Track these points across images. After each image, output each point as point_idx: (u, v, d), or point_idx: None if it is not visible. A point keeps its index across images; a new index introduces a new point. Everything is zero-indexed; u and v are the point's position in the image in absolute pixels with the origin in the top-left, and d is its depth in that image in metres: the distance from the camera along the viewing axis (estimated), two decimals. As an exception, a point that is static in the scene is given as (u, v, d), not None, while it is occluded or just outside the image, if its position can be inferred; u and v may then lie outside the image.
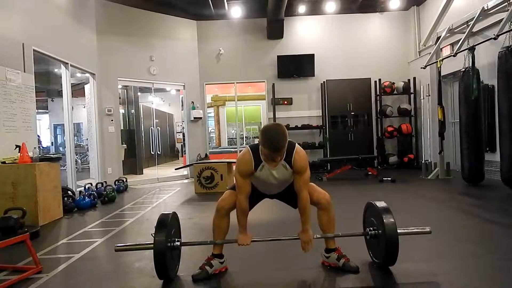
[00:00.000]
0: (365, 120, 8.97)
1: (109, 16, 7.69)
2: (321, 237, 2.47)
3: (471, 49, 5.53)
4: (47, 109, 14.83)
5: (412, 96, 8.74)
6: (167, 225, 2.33)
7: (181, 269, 2.66)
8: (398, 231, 2.29)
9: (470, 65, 5.52)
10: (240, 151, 2.55)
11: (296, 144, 2.36)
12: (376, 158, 8.65)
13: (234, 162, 2.44)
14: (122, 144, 8.53)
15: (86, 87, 7.68)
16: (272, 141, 2.14)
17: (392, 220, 2.30)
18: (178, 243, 2.42)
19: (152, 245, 2.26)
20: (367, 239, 2.54)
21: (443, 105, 6.57)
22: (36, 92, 5.35)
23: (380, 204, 2.44)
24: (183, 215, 4.56)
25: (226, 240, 2.49)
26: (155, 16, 8.40)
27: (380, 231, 2.36)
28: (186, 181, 8.39)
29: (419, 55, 8.70)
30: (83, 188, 5.85)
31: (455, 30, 6.45)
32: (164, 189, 7.12)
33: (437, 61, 6.55)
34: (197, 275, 2.41)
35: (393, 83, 8.71)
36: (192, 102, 8.91)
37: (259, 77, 9.27)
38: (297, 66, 8.95)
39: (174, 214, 2.49)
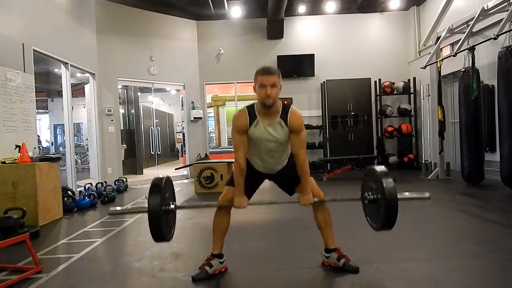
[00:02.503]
0: (365, 120, 8.97)
1: (109, 16, 7.69)
2: (319, 200, 2.42)
3: (471, 49, 5.53)
4: (47, 109, 14.83)
5: (412, 96, 8.74)
6: (161, 188, 2.24)
7: (181, 269, 2.66)
8: (398, 196, 2.20)
9: (470, 65, 5.52)
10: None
11: (292, 105, 2.39)
12: (376, 158, 8.64)
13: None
14: (122, 144, 8.53)
15: (86, 87, 7.68)
16: (265, 66, 2.32)
17: (392, 184, 2.22)
18: (173, 206, 2.35)
19: (146, 209, 2.18)
20: (365, 204, 2.43)
21: (443, 105, 6.57)
22: (36, 92, 5.34)
23: (380, 168, 2.34)
24: (183, 215, 4.56)
25: (223, 202, 2.43)
26: (155, 16, 8.40)
27: (379, 196, 2.27)
28: (186, 181, 8.39)
29: (419, 55, 8.70)
30: (83, 188, 5.85)
31: (455, 30, 6.45)
32: (164, 189, 7.10)
33: (437, 61, 6.55)
34: (197, 275, 2.42)
35: (393, 83, 8.71)
36: (192, 102, 8.91)
37: (259, 77, 9.24)
38: (297, 66, 8.94)
39: (168, 178, 2.39)
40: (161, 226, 2.20)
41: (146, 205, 2.18)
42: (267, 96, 2.22)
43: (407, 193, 2.38)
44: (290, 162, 2.49)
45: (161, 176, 2.35)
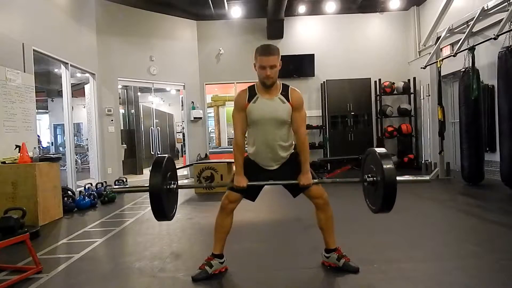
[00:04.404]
0: (365, 120, 8.97)
1: (109, 16, 7.69)
2: (318, 182, 2.41)
3: (471, 49, 5.53)
4: (47, 109, 14.83)
5: (412, 96, 8.74)
6: (162, 167, 2.25)
7: (181, 269, 2.66)
8: (397, 178, 2.21)
9: (470, 65, 5.52)
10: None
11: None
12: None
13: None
14: (122, 144, 8.53)
15: (86, 87, 7.68)
16: (264, 45, 2.35)
17: (391, 166, 2.22)
18: (174, 185, 2.36)
19: (147, 188, 2.19)
20: (365, 185, 2.43)
21: (443, 105, 6.56)
22: (36, 92, 5.34)
23: (380, 150, 2.34)
24: (183, 215, 4.57)
25: (222, 183, 2.48)
26: (155, 16, 8.40)
27: (378, 178, 2.26)
28: (186, 181, 8.39)
29: (419, 55, 8.70)
30: (83, 188, 5.84)
31: (455, 30, 6.45)
32: (164, 189, 7.10)
33: (437, 61, 6.55)
34: (197, 275, 2.42)
35: (393, 83, 8.71)
36: (192, 102, 8.92)
37: (259, 77, 9.24)
38: (297, 66, 8.94)
39: (169, 157, 2.40)
40: (162, 203, 2.19)
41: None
42: (267, 77, 2.30)
43: (407, 176, 2.38)
44: (292, 158, 2.46)
45: (161, 155, 2.38)
